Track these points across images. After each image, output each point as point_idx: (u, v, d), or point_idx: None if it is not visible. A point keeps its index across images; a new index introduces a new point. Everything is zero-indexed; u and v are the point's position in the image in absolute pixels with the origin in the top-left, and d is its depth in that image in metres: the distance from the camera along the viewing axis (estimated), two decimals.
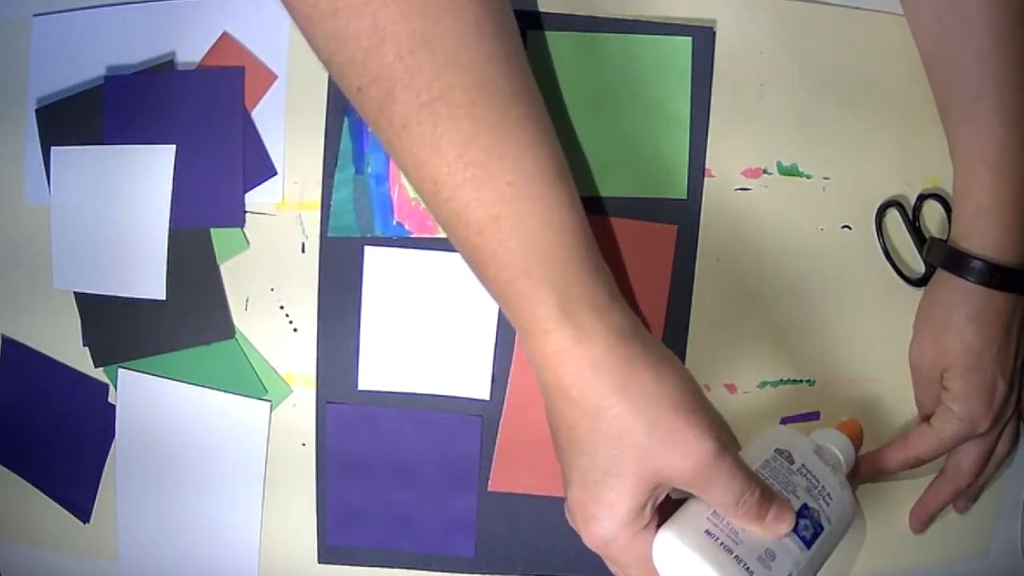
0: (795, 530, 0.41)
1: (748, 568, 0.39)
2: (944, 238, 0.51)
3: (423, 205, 0.48)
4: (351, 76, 0.38)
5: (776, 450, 0.44)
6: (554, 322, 0.39)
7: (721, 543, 0.40)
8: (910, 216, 0.51)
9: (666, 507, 0.41)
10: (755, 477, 0.40)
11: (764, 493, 0.40)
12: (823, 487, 0.43)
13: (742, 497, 0.39)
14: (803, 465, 0.44)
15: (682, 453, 0.39)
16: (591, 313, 0.39)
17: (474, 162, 0.37)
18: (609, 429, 0.39)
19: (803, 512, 0.41)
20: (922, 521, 0.53)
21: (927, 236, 0.52)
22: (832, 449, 0.47)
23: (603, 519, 0.40)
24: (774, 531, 0.40)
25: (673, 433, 0.39)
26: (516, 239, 0.38)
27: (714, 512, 0.40)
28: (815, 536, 0.41)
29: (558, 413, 0.40)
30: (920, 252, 0.51)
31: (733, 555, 0.39)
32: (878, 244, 0.51)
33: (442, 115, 0.37)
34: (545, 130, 0.40)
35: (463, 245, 0.40)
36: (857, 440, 0.48)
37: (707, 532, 0.40)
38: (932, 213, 0.52)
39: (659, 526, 0.41)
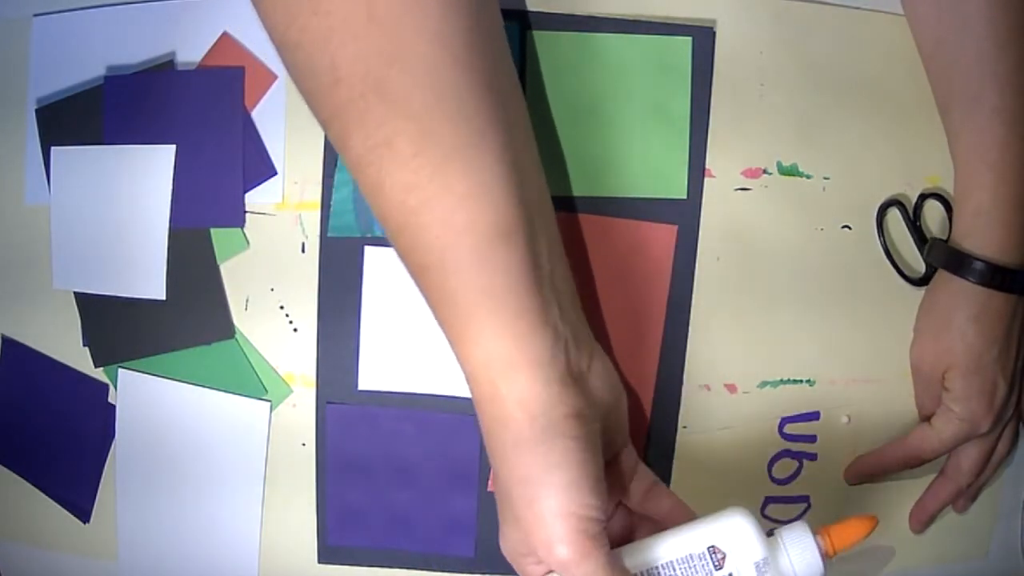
0: None
1: None
2: (945, 238, 0.51)
3: None
4: (315, 107, 0.39)
5: (710, 547, 0.39)
6: (468, 375, 0.39)
7: None
8: (911, 215, 0.51)
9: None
10: None
11: None
12: None
13: None
14: (731, 574, 0.38)
15: (542, 547, 0.38)
16: (505, 379, 0.38)
17: (410, 211, 0.37)
18: (500, 486, 0.41)
19: None
20: (922, 521, 0.53)
21: (928, 236, 0.52)
22: (786, 565, 0.39)
23: (501, 540, 0.42)
24: None
25: (537, 526, 0.38)
26: (442, 292, 0.38)
27: None
28: None
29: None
30: (921, 251, 0.51)
31: None
32: (879, 243, 0.51)
33: (386, 161, 0.37)
34: (495, 182, 0.38)
35: (412, 278, 0.40)
36: (850, 544, 0.41)
37: None
38: (933, 213, 0.52)
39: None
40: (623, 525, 0.44)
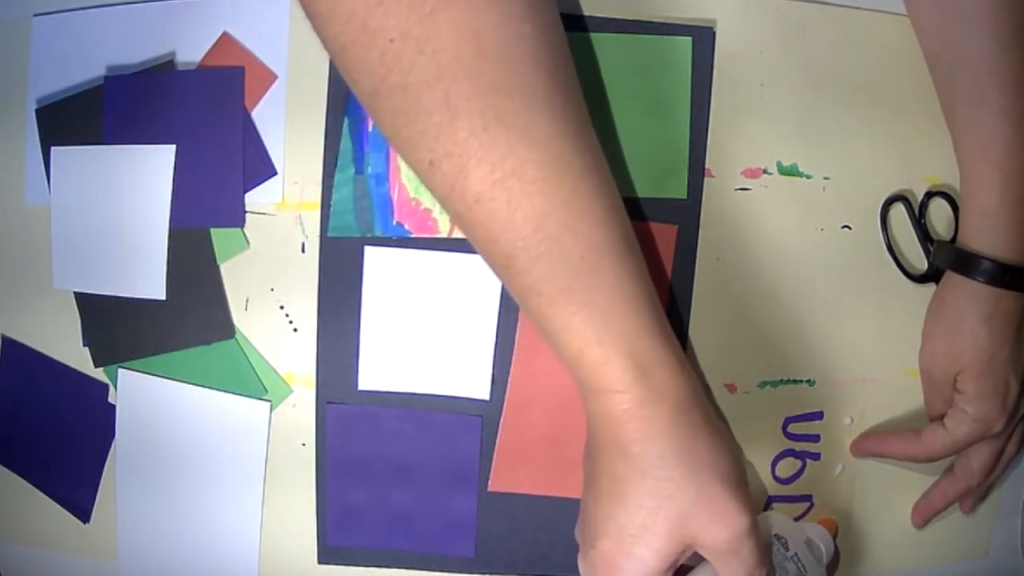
0: None
1: None
2: (950, 238, 0.51)
3: (423, 205, 0.48)
4: (422, 151, 0.38)
5: (775, 535, 0.47)
6: (626, 384, 0.40)
7: None
8: (916, 212, 0.51)
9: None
10: (767, 559, 0.43)
11: (769, 575, 0.42)
12: None
13: (752, 573, 0.41)
14: (796, 554, 0.47)
15: (722, 524, 0.40)
16: (664, 375, 0.40)
17: (548, 237, 0.38)
18: (660, 489, 0.40)
19: None
20: (925, 517, 0.53)
21: (932, 233, 0.52)
22: (818, 543, 0.49)
23: (629, 573, 0.41)
24: None
25: (718, 504, 0.40)
26: (589, 310, 0.39)
27: None
28: None
29: (610, 464, 0.41)
30: (924, 248, 0.51)
31: None
32: (881, 240, 0.51)
33: (516, 191, 0.37)
34: (614, 204, 0.40)
35: (535, 314, 0.40)
36: (835, 534, 0.52)
37: None
38: (938, 211, 0.52)
39: None
40: None
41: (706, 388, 0.50)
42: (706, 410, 0.42)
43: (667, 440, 0.40)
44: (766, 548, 0.44)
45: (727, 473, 0.41)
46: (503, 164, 0.37)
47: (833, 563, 0.52)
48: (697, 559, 0.43)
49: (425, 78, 0.36)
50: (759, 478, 0.52)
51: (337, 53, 0.38)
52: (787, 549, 0.46)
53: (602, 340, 0.39)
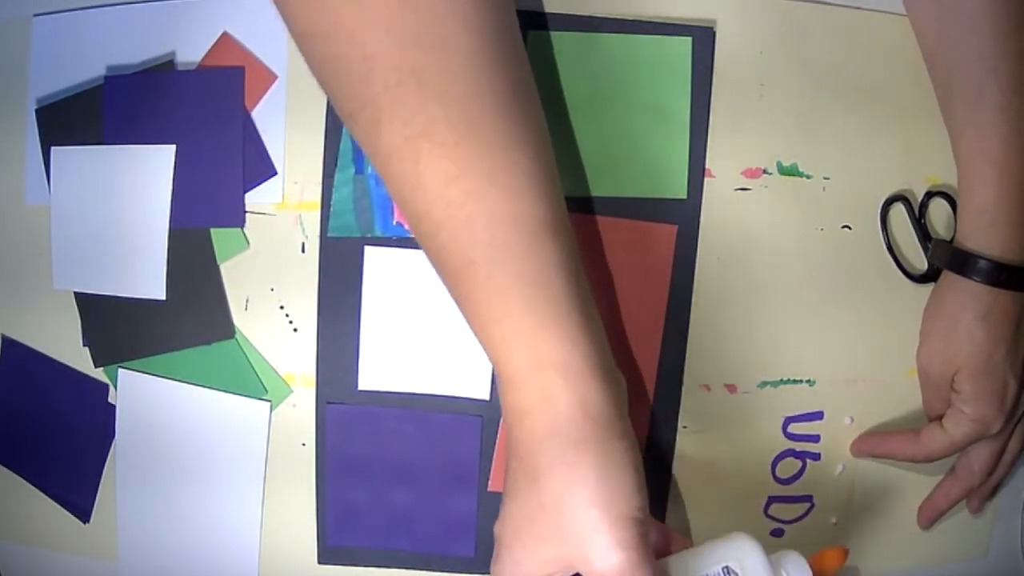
0: None
1: None
2: (949, 238, 0.51)
3: None
4: (342, 100, 0.37)
5: (725, 567, 0.41)
6: (521, 377, 0.38)
7: None
8: (916, 212, 0.51)
9: None
10: None
11: None
12: None
13: None
14: None
15: (595, 553, 0.37)
16: (560, 378, 0.37)
17: (452, 203, 0.36)
18: (540, 497, 0.38)
19: None
20: (930, 518, 0.53)
21: (932, 233, 0.52)
22: None
23: (508, 566, 0.39)
24: None
25: (592, 531, 0.37)
26: (488, 287, 0.37)
27: None
28: None
29: (508, 456, 0.39)
30: (924, 248, 0.51)
31: None
32: (879, 241, 0.51)
33: (424, 152, 0.36)
34: (536, 176, 0.38)
35: (444, 280, 0.39)
36: (831, 572, 0.44)
37: None
38: (938, 211, 0.52)
39: None
40: None
41: (706, 388, 0.50)
42: (610, 429, 0.38)
43: (552, 448, 0.37)
44: None
45: (612, 502, 0.37)
46: (413, 122, 0.36)
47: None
48: None
49: (348, 26, 0.36)
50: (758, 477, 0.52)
51: None
52: None
53: (499, 321, 0.37)
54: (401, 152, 0.36)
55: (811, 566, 0.42)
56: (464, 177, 0.36)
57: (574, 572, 0.39)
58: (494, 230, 0.36)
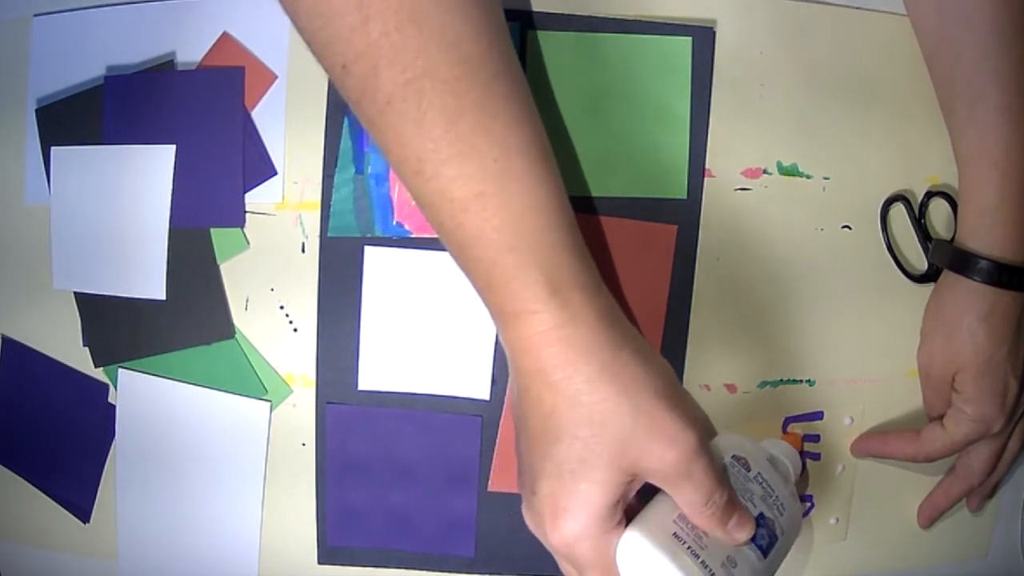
0: (753, 539, 0.41)
1: (713, 574, 0.39)
2: (949, 238, 0.51)
3: None
4: (335, 53, 0.38)
5: (733, 456, 0.43)
6: (541, 303, 0.38)
7: (688, 547, 0.39)
8: (916, 212, 0.51)
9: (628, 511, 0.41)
10: (725, 480, 0.40)
11: (731, 498, 0.40)
12: (777, 497, 0.43)
13: (711, 498, 0.39)
14: (759, 473, 0.43)
15: (666, 443, 0.38)
16: (580, 294, 0.38)
17: (460, 138, 0.37)
18: (592, 415, 0.38)
19: (760, 521, 0.41)
20: (930, 518, 0.53)
21: (932, 233, 0.52)
22: (783, 460, 0.47)
23: (578, 513, 0.38)
24: (735, 537, 0.40)
25: (658, 421, 0.38)
26: (502, 216, 0.38)
27: (679, 515, 0.40)
28: (770, 546, 0.41)
29: (537, 399, 0.39)
30: (924, 248, 0.51)
31: (700, 560, 0.39)
32: (880, 241, 0.51)
33: (427, 91, 0.37)
34: (529, 109, 0.40)
35: (446, 224, 0.39)
36: (799, 451, 0.50)
37: (675, 535, 0.39)
38: (938, 211, 0.52)
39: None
40: None
41: (706, 388, 0.50)
42: (628, 328, 0.40)
43: (592, 360, 0.38)
44: (723, 470, 0.42)
45: (663, 389, 0.39)
46: (414, 64, 0.36)
47: (803, 479, 0.50)
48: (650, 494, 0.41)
49: None
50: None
51: None
52: (748, 469, 0.43)
53: (515, 249, 0.38)
54: (403, 94, 0.37)
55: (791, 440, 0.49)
56: (470, 111, 0.37)
57: (640, 485, 0.39)
58: (504, 160, 0.38)
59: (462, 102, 0.37)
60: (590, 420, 0.38)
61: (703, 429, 0.39)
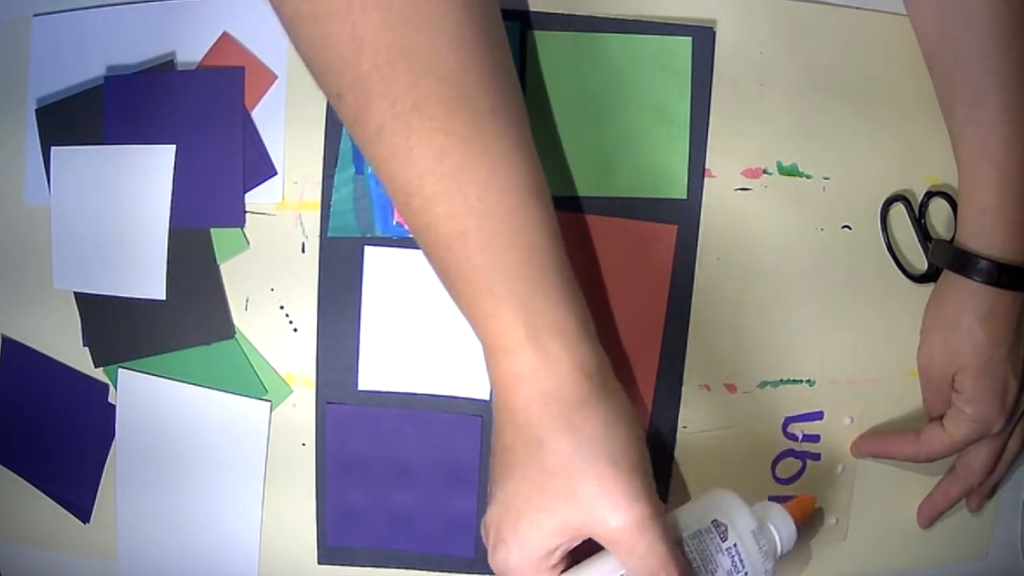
0: None
1: None
2: (949, 238, 0.51)
3: None
4: (330, 81, 0.38)
5: (713, 521, 0.42)
6: (517, 343, 0.38)
7: None
8: (916, 212, 0.51)
9: (578, 552, 0.40)
10: (674, 557, 0.39)
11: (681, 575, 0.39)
12: (745, 573, 0.42)
13: (655, 574, 0.38)
14: (735, 545, 0.42)
15: (609, 509, 0.37)
16: (560, 341, 0.38)
17: (445, 175, 0.37)
18: (544, 462, 0.38)
19: None
20: (930, 518, 0.53)
21: (932, 234, 0.52)
22: (772, 533, 0.44)
23: (512, 549, 0.39)
24: None
25: (606, 487, 0.37)
26: (483, 257, 0.38)
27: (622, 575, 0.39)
28: None
29: (500, 431, 0.40)
30: (924, 248, 0.51)
31: None
32: (880, 241, 0.51)
33: (415, 126, 0.37)
34: (521, 147, 0.39)
35: (431, 256, 0.39)
36: (805, 518, 0.47)
37: None
38: (938, 211, 0.52)
39: (565, 570, 0.40)
40: None
41: (706, 388, 0.50)
42: (606, 383, 0.39)
43: (556, 412, 0.38)
44: (694, 537, 0.41)
45: (620, 454, 0.38)
46: (404, 98, 0.36)
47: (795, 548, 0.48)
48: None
49: (336, 9, 0.36)
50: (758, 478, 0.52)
51: None
52: (724, 539, 0.41)
53: (493, 290, 0.38)
54: (391, 128, 0.37)
55: (792, 511, 0.45)
56: (456, 149, 0.37)
57: (582, 539, 0.39)
58: (487, 200, 0.37)
59: (449, 139, 0.37)
60: (542, 467, 0.38)
61: (655, 502, 0.38)
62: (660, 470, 0.50)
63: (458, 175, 0.37)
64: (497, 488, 0.40)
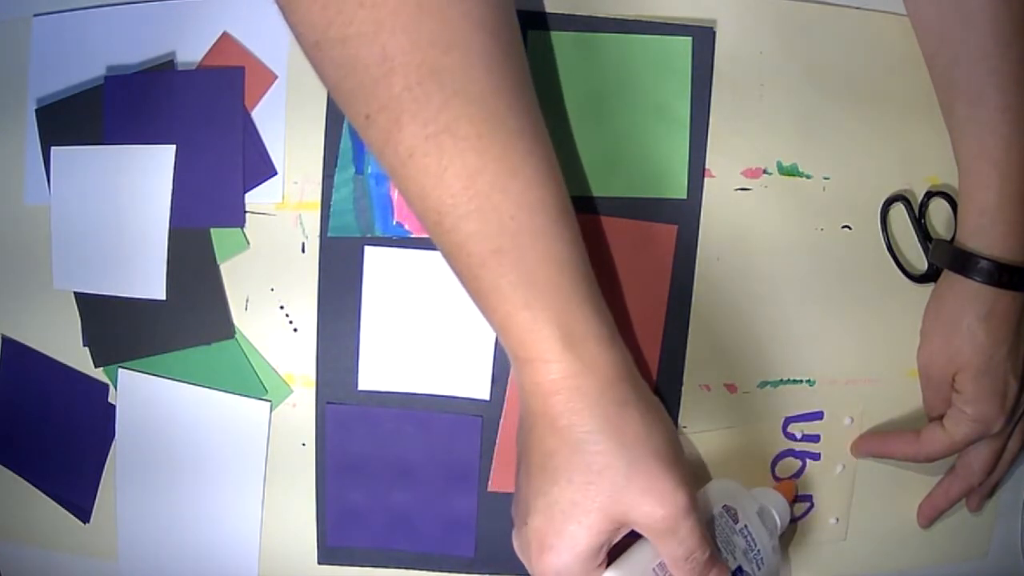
0: None
1: None
2: (949, 238, 0.51)
3: None
4: (359, 104, 0.38)
5: (724, 506, 0.45)
6: (555, 353, 0.39)
7: None
8: (916, 212, 0.51)
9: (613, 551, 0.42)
10: (709, 536, 0.42)
11: (712, 554, 0.41)
12: (759, 551, 0.45)
13: (692, 554, 0.40)
14: (745, 526, 0.45)
15: (656, 501, 0.39)
16: (594, 345, 0.40)
17: (478, 194, 0.37)
18: (590, 464, 0.39)
19: (737, 574, 0.44)
20: (930, 517, 0.53)
21: (932, 233, 0.52)
22: (772, 512, 0.48)
23: (562, 551, 0.40)
24: None
25: (652, 479, 0.39)
26: (517, 272, 0.38)
27: (660, 564, 0.41)
28: None
29: (540, 439, 0.40)
30: (924, 248, 0.51)
31: None
32: (880, 241, 0.51)
33: (448, 147, 0.37)
34: (549, 165, 0.40)
35: (464, 275, 0.40)
36: (792, 500, 0.51)
37: None
38: (938, 211, 0.52)
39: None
40: None
41: (706, 388, 0.50)
42: (638, 384, 0.41)
43: (596, 413, 0.39)
44: (710, 523, 0.44)
45: (660, 448, 0.40)
46: (436, 119, 0.37)
47: (789, 529, 0.51)
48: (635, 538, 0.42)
49: (364, 31, 0.36)
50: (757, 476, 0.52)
51: (283, 5, 0.38)
52: (736, 522, 0.45)
53: (530, 305, 0.39)
54: (423, 149, 0.37)
55: (783, 492, 0.50)
56: (489, 169, 0.37)
57: (624, 534, 0.41)
58: (520, 218, 0.38)
59: (482, 159, 0.37)
60: (587, 468, 0.39)
61: (692, 489, 0.41)
62: None
63: (491, 194, 0.38)
64: (538, 497, 0.40)
